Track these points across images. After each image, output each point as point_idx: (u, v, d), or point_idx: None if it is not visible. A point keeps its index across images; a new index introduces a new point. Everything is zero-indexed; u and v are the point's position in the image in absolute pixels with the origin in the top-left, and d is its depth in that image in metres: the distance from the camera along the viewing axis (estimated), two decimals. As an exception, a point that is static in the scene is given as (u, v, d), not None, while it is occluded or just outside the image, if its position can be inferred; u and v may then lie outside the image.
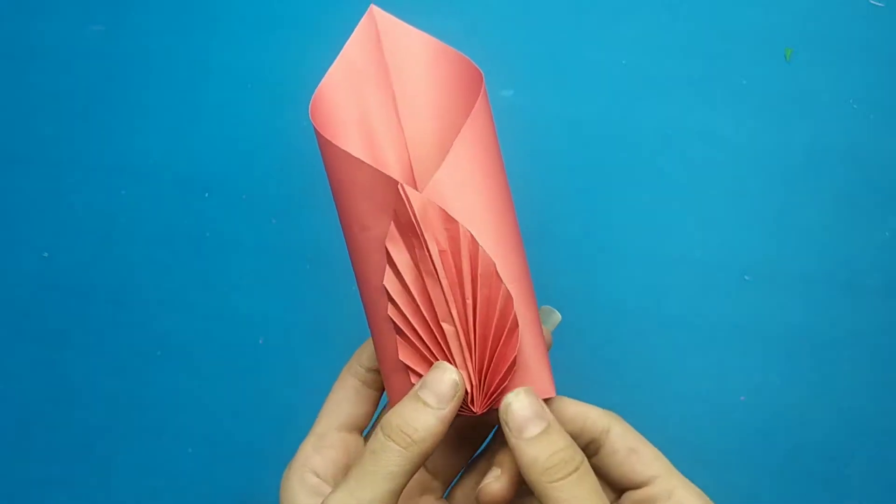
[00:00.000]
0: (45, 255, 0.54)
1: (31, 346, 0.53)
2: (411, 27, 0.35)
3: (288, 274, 0.52)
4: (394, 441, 0.28)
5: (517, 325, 0.30)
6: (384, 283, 0.30)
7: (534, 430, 0.29)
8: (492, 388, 0.30)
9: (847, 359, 0.49)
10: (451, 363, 0.29)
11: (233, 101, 0.54)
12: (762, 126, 0.52)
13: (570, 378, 0.50)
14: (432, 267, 0.29)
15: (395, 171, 0.33)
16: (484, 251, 0.30)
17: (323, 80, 0.33)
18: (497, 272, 0.30)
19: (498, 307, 0.29)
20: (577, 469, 0.29)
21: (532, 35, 0.54)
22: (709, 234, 0.51)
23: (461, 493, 0.34)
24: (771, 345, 0.50)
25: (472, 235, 0.29)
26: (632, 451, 0.32)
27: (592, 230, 0.51)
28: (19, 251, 0.54)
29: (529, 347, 0.31)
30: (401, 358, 0.30)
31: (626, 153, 0.52)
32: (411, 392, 0.29)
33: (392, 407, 0.31)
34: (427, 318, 0.30)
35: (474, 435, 0.35)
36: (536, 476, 0.28)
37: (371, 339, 0.33)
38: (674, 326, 0.50)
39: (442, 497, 0.35)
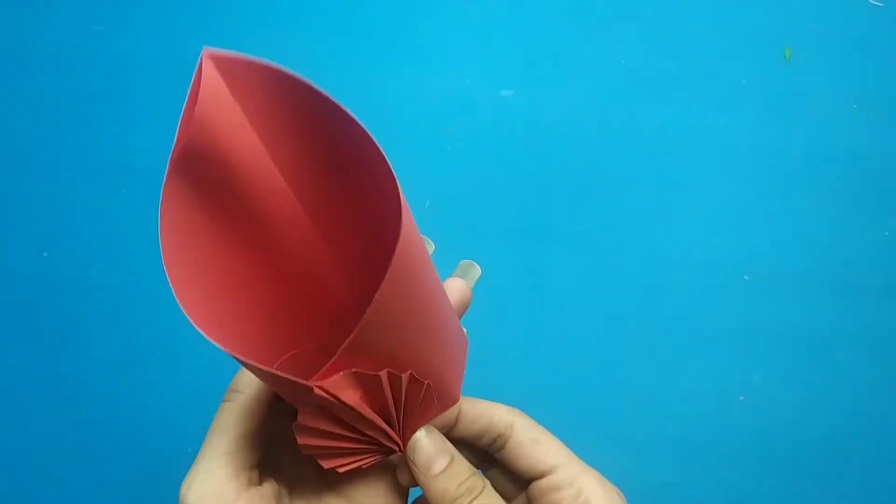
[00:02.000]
0: (45, 254, 0.54)
1: (30, 346, 0.53)
2: (263, 64, 0.26)
3: (288, 274, 0.52)
4: (225, 401, 0.32)
5: (434, 402, 0.31)
6: (299, 441, 0.29)
7: (440, 464, 0.31)
8: (410, 434, 0.31)
9: (846, 358, 0.49)
10: (380, 443, 0.30)
11: (232, 101, 0.54)
12: (761, 125, 0.52)
13: (571, 378, 0.50)
14: (357, 418, 0.28)
15: (284, 214, 0.28)
16: (412, 379, 0.29)
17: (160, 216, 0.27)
18: (427, 387, 0.30)
19: (422, 400, 0.30)
20: (482, 492, 0.31)
21: (532, 35, 0.54)
22: (708, 233, 0.51)
23: None
24: (770, 345, 0.50)
25: (396, 378, 0.28)
26: (535, 441, 0.33)
27: (592, 230, 0.51)
28: (19, 250, 0.54)
29: (441, 369, 0.31)
30: (327, 466, 0.30)
31: (625, 153, 0.52)
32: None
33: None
34: (353, 436, 0.29)
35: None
36: None
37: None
38: (674, 326, 0.50)
39: None
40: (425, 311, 0.28)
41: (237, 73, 0.25)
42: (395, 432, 0.31)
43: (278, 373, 0.25)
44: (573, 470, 0.33)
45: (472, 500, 0.31)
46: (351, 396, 0.28)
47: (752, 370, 0.50)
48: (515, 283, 0.51)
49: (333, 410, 0.28)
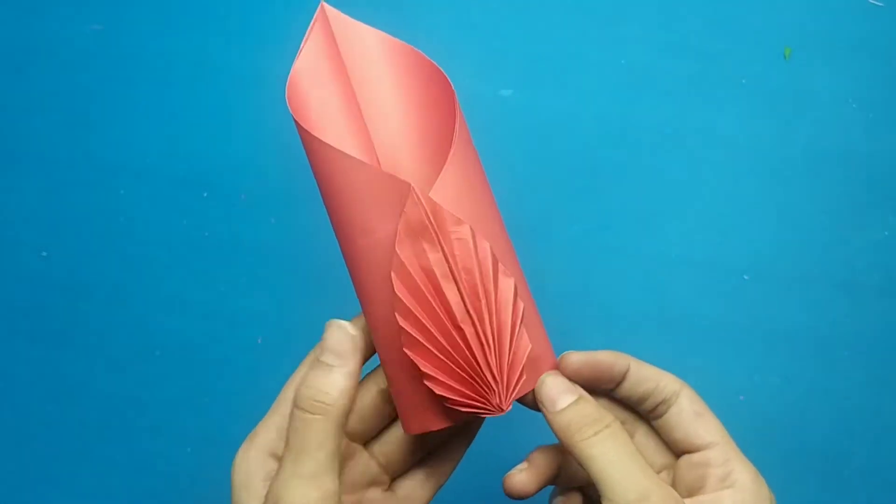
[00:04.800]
0: (44, 254, 0.54)
1: (30, 346, 0.53)
2: (362, 24, 0.34)
3: (287, 273, 0.52)
4: (310, 413, 0.29)
5: (522, 319, 0.31)
6: (395, 291, 0.29)
7: (566, 400, 0.31)
8: (514, 383, 0.30)
9: (846, 358, 0.49)
10: (475, 366, 0.30)
11: (231, 100, 0.54)
12: (761, 125, 0.52)
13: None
14: (448, 269, 0.29)
15: None
16: (491, 250, 0.30)
17: (287, 84, 0.34)
18: (503, 269, 0.30)
19: (510, 304, 0.30)
20: (608, 426, 0.30)
21: (532, 35, 0.54)
22: (708, 233, 0.51)
23: (407, 483, 0.35)
24: (770, 344, 0.50)
25: (478, 235, 0.29)
26: (698, 414, 0.34)
27: (592, 230, 0.51)
28: (18, 250, 0.54)
29: (535, 336, 0.32)
30: (423, 369, 0.30)
31: (625, 153, 0.52)
32: (311, 359, 0.31)
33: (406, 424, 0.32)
34: (446, 322, 0.29)
35: (431, 439, 0.36)
36: (570, 437, 0.30)
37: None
38: (673, 326, 0.50)
39: (387, 489, 0.35)
40: (486, 189, 0.32)
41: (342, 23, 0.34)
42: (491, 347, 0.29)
43: (386, 172, 0.29)
44: (729, 452, 0.33)
45: (598, 431, 0.30)
46: (441, 222, 0.28)
47: (752, 370, 0.50)
48: (515, 282, 0.51)
49: (422, 237, 0.28)
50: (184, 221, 0.53)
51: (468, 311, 0.29)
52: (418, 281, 0.29)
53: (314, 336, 0.51)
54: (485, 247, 0.30)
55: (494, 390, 0.30)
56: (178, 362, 0.52)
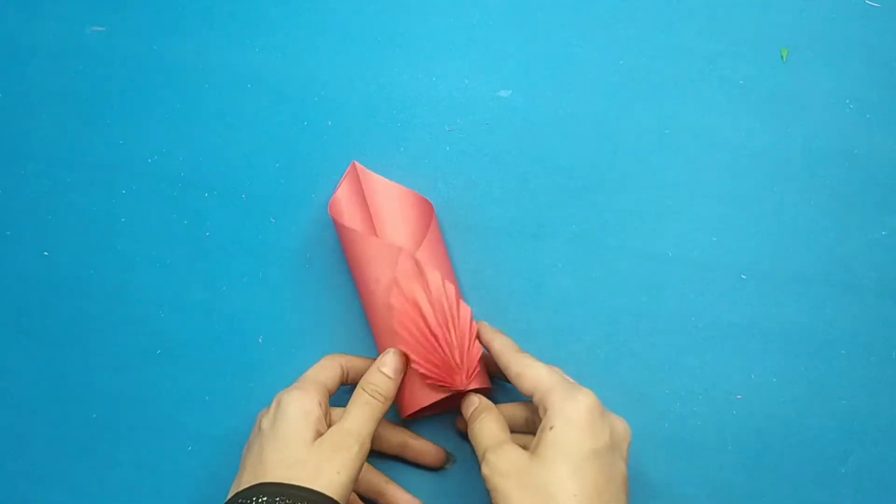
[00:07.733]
0: (46, 253, 0.54)
1: (31, 345, 0.53)
2: (380, 177, 0.49)
3: (287, 273, 0.52)
4: (374, 398, 0.45)
5: (477, 335, 0.47)
6: (394, 310, 0.45)
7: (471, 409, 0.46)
8: (472, 371, 0.45)
9: (843, 357, 0.50)
10: (445, 357, 0.45)
11: (232, 101, 0.54)
12: (758, 126, 0.52)
13: (569, 376, 0.50)
14: (427, 298, 0.45)
15: None
16: (455, 288, 0.46)
17: (330, 204, 0.49)
18: (463, 302, 0.46)
19: (468, 321, 0.46)
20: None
21: (531, 35, 0.54)
22: (706, 233, 0.51)
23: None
24: (768, 343, 0.50)
25: (445, 279, 0.46)
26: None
27: (589, 230, 0.51)
28: (20, 250, 0.54)
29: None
30: (412, 358, 0.45)
31: (623, 153, 0.52)
32: (376, 368, 0.46)
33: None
34: (425, 330, 0.45)
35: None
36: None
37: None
38: (671, 325, 0.50)
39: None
40: (447, 263, 0.50)
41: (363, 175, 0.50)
42: (454, 341, 0.45)
43: (381, 241, 0.47)
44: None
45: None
46: (425, 279, 0.45)
47: (750, 369, 0.50)
48: (514, 282, 0.51)
49: (411, 279, 0.45)
50: (184, 221, 0.53)
51: (439, 324, 0.45)
52: (408, 305, 0.45)
53: (314, 335, 0.51)
54: (450, 286, 0.46)
55: (459, 373, 0.45)
56: (178, 362, 0.52)
